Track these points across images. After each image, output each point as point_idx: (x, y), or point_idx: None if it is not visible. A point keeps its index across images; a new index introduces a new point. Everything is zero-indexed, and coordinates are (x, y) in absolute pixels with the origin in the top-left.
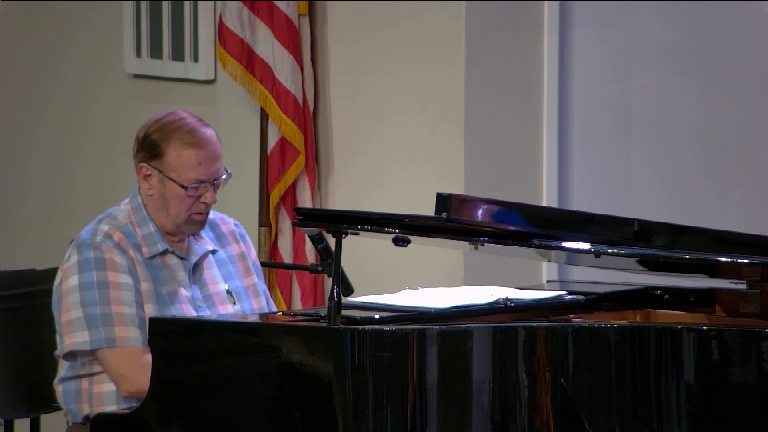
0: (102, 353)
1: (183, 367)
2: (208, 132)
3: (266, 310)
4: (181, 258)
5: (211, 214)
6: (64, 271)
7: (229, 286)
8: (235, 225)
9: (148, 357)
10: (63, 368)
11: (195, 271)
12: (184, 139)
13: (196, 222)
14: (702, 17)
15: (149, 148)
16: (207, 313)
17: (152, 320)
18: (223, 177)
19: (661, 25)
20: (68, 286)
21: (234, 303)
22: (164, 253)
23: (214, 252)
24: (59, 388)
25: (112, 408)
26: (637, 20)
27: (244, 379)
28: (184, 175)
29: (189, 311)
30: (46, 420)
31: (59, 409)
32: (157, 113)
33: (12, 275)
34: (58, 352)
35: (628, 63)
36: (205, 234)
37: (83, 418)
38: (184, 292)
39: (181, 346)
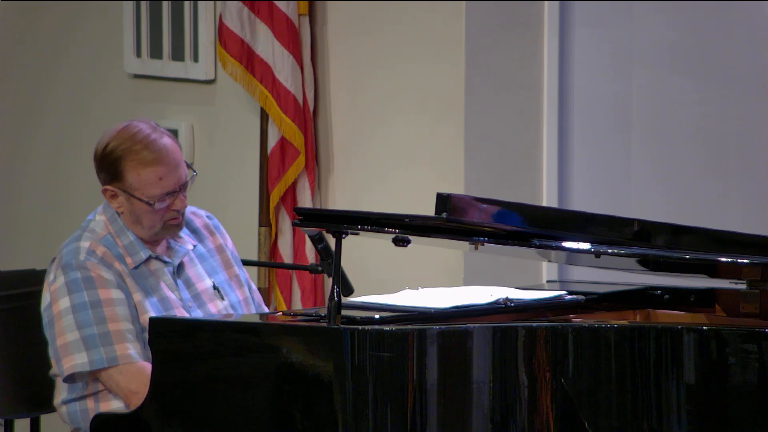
0: (106, 373)
1: (183, 367)
2: (163, 141)
3: (251, 299)
4: (165, 262)
5: None
6: (52, 293)
7: (214, 280)
8: (208, 217)
9: None
10: (63, 391)
11: (179, 271)
12: (140, 158)
13: (173, 227)
14: (702, 17)
15: (108, 170)
16: (198, 313)
17: (152, 320)
18: (189, 180)
19: (661, 25)
20: (60, 309)
21: (222, 298)
22: (147, 260)
23: (194, 248)
24: (63, 410)
25: None
26: (637, 20)
27: (244, 379)
28: (148, 193)
29: (182, 314)
30: (46, 420)
31: None
32: (110, 127)
33: (12, 275)
34: (54, 371)
35: (628, 63)
36: (182, 232)
37: None
38: (173, 296)
39: (181, 346)
